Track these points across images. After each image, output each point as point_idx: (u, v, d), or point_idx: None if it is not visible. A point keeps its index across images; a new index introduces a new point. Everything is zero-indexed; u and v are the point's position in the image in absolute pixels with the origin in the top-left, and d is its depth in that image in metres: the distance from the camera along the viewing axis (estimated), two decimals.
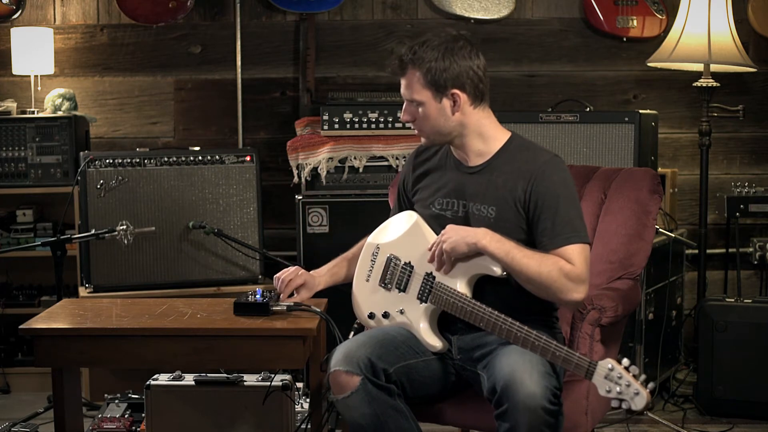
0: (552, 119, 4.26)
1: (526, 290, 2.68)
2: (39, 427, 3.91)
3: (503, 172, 2.75)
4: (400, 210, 2.99)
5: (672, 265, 4.37)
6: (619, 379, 2.37)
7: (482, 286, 2.74)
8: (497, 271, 2.66)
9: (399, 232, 2.88)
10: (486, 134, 2.79)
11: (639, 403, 2.35)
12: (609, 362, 2.39)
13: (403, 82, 2.76)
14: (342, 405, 2.64)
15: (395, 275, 2.84)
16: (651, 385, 2.36)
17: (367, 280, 2.91)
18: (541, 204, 2.69)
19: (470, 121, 2.76)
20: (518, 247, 2.64)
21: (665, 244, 4.28)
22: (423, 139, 2.83)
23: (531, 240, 2.71)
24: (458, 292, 2.70)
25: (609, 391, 2.38)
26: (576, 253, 2.65)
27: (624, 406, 2.37)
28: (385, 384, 2.64)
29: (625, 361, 2.40)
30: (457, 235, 2.69)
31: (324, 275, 3.03)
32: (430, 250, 2.76)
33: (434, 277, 2.75)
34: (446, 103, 2.73)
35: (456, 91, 2.72)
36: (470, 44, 2.75)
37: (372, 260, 2.91)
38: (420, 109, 2.74)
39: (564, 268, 2.62)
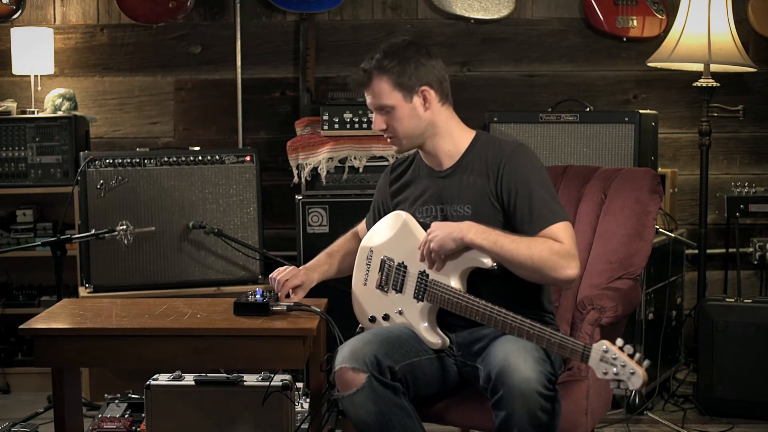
0: (552, 119, 4.26)
1: (519, 285, 2.70)
2: (39, 427, 3.91)
3: (473, 169, 2.79)
4: (375, 221, 3.01)
5: (672, 265, 4.37)
6: (614, 360, 2.37)
7: (476, 282, 2.75)
8: (487, 262, 2.67)
9: (390, 233, 2.90)
10: (454, 133, 2.84)
11: (636, 382, 2.34)
12: (603, 344, 2.40)
13: (370, 93, 2.82)
14: (347, 402, 2.65)
15: (390, 277, 2.85)
16: (647, 362, 2.36)
17: (365, 284, 2.92)
18: (514, 192, 2.72)
19: (440, 119, 2.82)
20: (504, 234, 2.66)
21: (665, 244, 4.28)
22: (395, 147, 2.86)
23: (510, 231, 2.72)
24: (452, 287, 2.71)
25: (606, 373, 2.38)
26: (560, 231, 2.67)
27: (622, 386, 2.37)
28: (391, 382, 2.65)
29: (619, 341, 2.39)
30: (442, 232, 2.71)
31: (316, 272, 3.04)
32: (419, 249, 2.77)
33: (427, 275, 2.76)
34: (417, 102, 2.79)
35: (425, 87, 2.79)
36: (424, 47, 2.85)
37: (367, 264, 2.92)
38: (391, 114, 2.79)
39: (553, 246, 2.64)
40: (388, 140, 2.86)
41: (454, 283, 2.72)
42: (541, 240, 2.65)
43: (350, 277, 3.00)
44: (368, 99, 2.84)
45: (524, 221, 2.70)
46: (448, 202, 2.82)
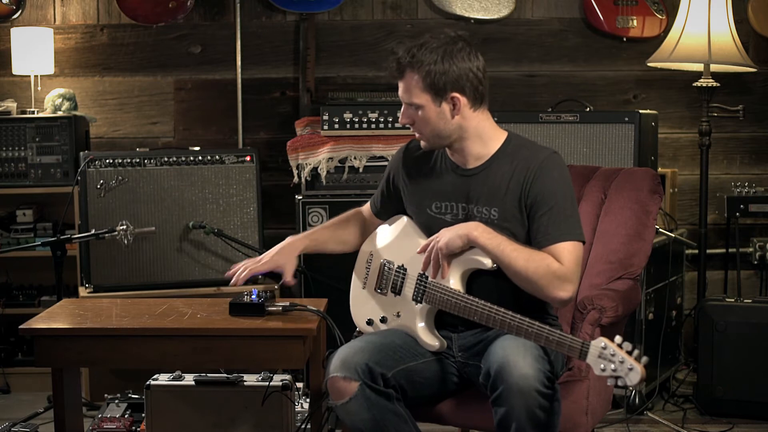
0: (552, 119, 4.26)
1: (521, 291, 2.69)
2: (39, 427, 3.90)
3: (503, 172, 2.74)
4: (385, 196, 2.98)
5: (672, 265, 4.37)
6: (612, 357, 2.37)
7: (477, 284, 2.74)
8: (487, 264, 2.66)
9: (390, 237, 2.89)
10: (485, 136, 2.76)
11: (634, 378, 2.35)
12: (601, 341, 2.40)
13: (401, 85, 2.73)
14: (341, 411, 2.64)
15: (389, 279, 2.84)
16: (645, 359, 2.36)
17: (364, 288, 2.92)
18: (539, 201, 2.69)
19: (470, 124, 2.73)
20: (509, 241, 2.65)
21: (665, 244, 4.28)
22: (422, 143, 2.81)
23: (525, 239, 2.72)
24: (451, 288, 2.70)
25: (604, 370, 2.39)
26: (567, 251, 2.65)
27: (620, 383, 2.37)
28: (384, 389, 2.64)
29: (618, 338, 2.40)
30: (449, 232, 2.69)
31: (300, 239, 2.98)
32: (420, 252, 2.76)
33: (427, 277, 2.76)
34: (445, 107, 2.70)
35: (455, 94, 2.69)
36: (469, 45, 2.72)
37: (367, 267, 2.92)
38: (419, 113, 2.71)
39: (551, 265, 2.62)
40: (416, 135, 2.79)
41: (454, 283, 2.71)
42: (541, 256, 2.63)
43: (350, 277, 2.99)
44: (399, 90, 2.75)
45: (540, 231, 2.68)
46: (473, 202, 2.76)
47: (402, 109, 2.76)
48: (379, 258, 2.89)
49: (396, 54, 2.72)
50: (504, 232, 2.67)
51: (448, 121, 2.71)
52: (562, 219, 2.67)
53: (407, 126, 2.78)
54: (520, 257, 2.62)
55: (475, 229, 2.66)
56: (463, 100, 2.70)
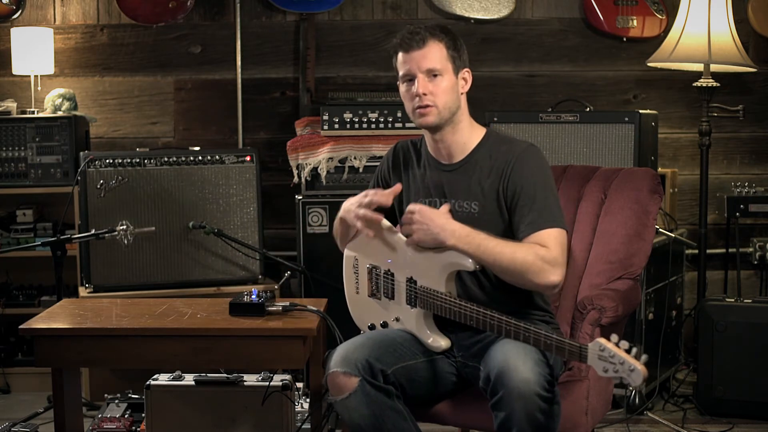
0: (552, 119, 4.26)
1: (516, 287, 2.69)
2: (39, 427, 3.90)
3: (483, 166, 2.78)
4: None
5: (672, 265, 4.37)
6: (612, 358, 2.36)
7: (470, 286, 2.75)
8: (469, 265, 2.65)
9: (370, 240, 2.85)
10: (469, 127, 2.83)
11: (636, 379, 2.33)
12: (598, 342, 2.38)
13: (421, 54, 2.73)
14: (340, 406, 2.64)
15: (380, 285, 2.85)
16: (644, 357, 2.34)
17: (357, 292, 2.91)
18: (519, 192, 2.71)
19: (464, 108, 2.82)
20: (488, 237, 2.64)
21: (665, 244, 4.28)
22: (430, 117, 2.75)
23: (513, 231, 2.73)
24: (442, 293, 2.70)
25: (606, 371, 2.37)
26: (551, 237, 2.66)
27: (624, 383, 2.36)
28: (383, 385, 2.64)
29: (614, 337, 2.38)
30: (427, 234, 2.66)
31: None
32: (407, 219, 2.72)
33: (415, 282, 2.76)
34: (460, 81, 2.80)
35: (468, 70, 2.82)
36: None
37: (355, 272, 2.91)
38: (437, 80, 2.74)
39: (539, 252, 2.63)
40: (424, 109, 2.74)
41: (442, 288, 2.71)
42: (527, 245, 2.64)
43: None
44: (411, 63, 2.74)
45: (521, 222, 2.70)
46: (453, 196, 2.79)
47: (419, 81, 2.74)
48: (364, 263, 2.89)
49: (410, 29, 2.77)
50: (485, 226, 2.68)
51: (458, 95, 2.79)
52: (544, 207, 2.69)
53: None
54: (505, 251, 2.62)
55: (451, 237, 2.64)
56: (470, 79, 2.82)
